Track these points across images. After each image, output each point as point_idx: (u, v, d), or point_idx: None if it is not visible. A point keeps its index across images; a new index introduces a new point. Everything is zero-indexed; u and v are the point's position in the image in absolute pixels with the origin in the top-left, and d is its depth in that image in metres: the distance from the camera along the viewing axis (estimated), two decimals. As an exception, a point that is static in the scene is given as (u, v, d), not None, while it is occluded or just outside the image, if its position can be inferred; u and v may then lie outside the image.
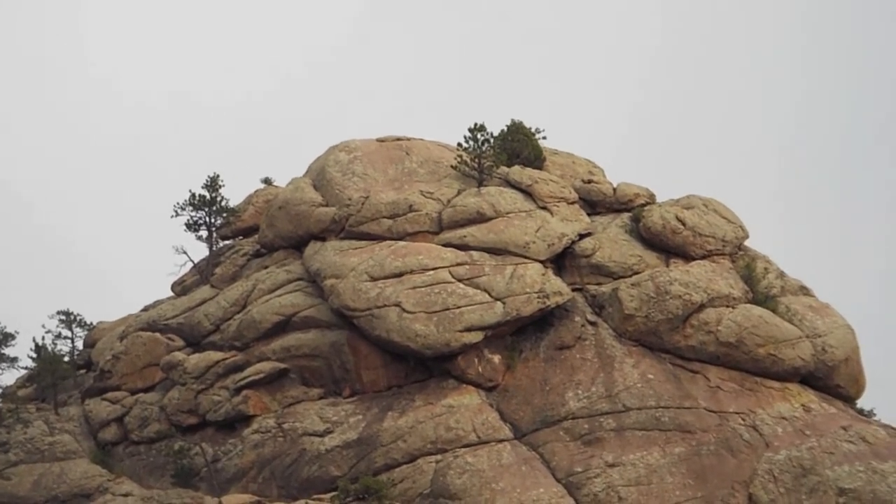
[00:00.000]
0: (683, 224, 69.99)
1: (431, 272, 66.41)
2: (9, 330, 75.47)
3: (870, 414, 68.80)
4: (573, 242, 69.87)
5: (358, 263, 67.75)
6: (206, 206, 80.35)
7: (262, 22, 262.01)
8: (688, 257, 69.33)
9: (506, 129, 76.89)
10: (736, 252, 71.58)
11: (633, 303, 65.95)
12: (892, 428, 63.52)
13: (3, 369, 75.87)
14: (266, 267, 74.86)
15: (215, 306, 73.56)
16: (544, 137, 78.49)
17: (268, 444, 66.13)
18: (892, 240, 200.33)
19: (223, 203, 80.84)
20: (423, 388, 65.16)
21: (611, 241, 70.04)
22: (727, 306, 66.02)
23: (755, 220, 73.99)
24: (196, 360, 70.43)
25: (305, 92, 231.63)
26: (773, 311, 66.63)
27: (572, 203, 72.61)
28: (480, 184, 72.19)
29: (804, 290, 71.66)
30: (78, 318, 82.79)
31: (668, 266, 68.57)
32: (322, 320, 68.50)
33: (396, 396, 65.32)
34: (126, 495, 66.69)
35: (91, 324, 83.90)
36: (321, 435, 64.78)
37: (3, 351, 75.36)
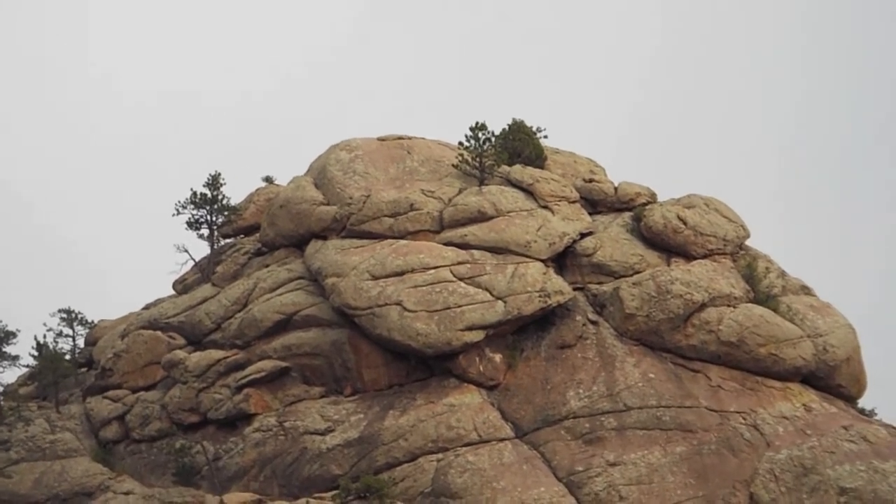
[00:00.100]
0: (685, 223, 70.00)
1: (433, 271, 66.43)
2: (10, 328, 75.69)
3: (871, 413, 68.83)
4: (574, 241, 69.88)
5: (359, 262, 67.77)
6: (207, 205, 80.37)
7: (262, 22, 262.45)
8: (689, 256, 69.34)
9: (507, 128, 76.99)
10: (737, 251, 71.58)
11: (635, 302, 65.97)
12: (893, 427, 63.58)
13: (4, 367, 75.85)
14: (267, 265, 74.89)
15: (216, 305, 73.57)
16: (545, 136, 78.70)
17: (269, 442, 66.17)
18: (892, 240, 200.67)
19: (224, 201, 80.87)
20: (425, 386, 65.20)
21: (612, 241, 70.06)
22: (728, 306, 66.04)
23: (755, 220, 74.28)
24: (197, 359, 70.46)
25: (305, 92, 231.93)
26: (775, 310, 66.64)
27: (573, 202, 72.62)
28: (482, 183, 72.20)
29: (805, 290, 71.67)
30: (79, 316, 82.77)
31: (669, 265, 68.57)
32: (323, 319, 68.52)
33: (398, 395, 65.34)
34: (127, 493, 66.74)
35: (92, 322, 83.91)
36: (322, 433, 64.82)
37: (4, 349, 75.39)
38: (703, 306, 65.49)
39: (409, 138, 78.92)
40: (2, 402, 75.22)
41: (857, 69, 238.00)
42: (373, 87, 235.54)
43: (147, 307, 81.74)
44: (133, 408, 72.41)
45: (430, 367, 65.52)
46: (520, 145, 76.25)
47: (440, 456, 61.53)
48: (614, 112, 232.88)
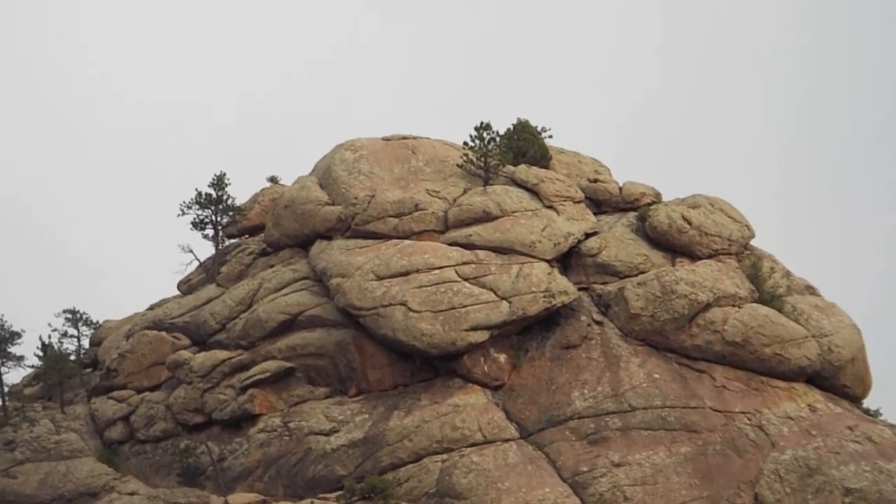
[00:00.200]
0: (689, 223, 69.93)
1: (437, 271, 66.40)
2: (15, 328, 75.86)
3: (876, 414, 68.79)
4: (579, 242, 69.84)
5: (364, 262, 67.75)
6: (212, 205, 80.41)
7: (262, 22, 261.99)
8: (694, 256, 69.28)
9: (512, 127, 76.91)
10: (742, 251, 71.52)
11: (639, 302, 65.92)
12: (899, 428, 63.58)
13: (9, 368, 76.27)
14: (272, 266, 74.89)
15: (221, 305, 73.60)
16: (550, 136, 78.56)
17: (274, 443, 66.18)
18: (893, 240, 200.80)
19: (229, 202, 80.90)
20: (429, 387, 65.19)
21: (617, 241, 70.00)
22: (733, 306, 65.99)
23: (755, 220, 74.14)
24: (202, 359, 70.48)
25: (306, 92, 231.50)
26: (779, 310, 66.59)
27: (578, 202, 72.55)
28: (486, 183, 72.16)
29: (810, 290, 71.59)
30: (84, 316, 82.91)
31: (673, 265, 68.52)
32: (328, 319, 68.52)
33: (402, 395, 65.34)
34: (132, 494, 66.81)
35: (97, 322, 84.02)
36: (327, 434, 64.82)
37: (9, 349, 75.62)
38: (707, 306, 65.44)
39: (414, 138, 78.88)
40: (7, 403, 75.38)
41: (858, 69, 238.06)
42: (373, 86, 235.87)
43: (152, 307, 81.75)
44: (138, 408, 72.47)
45: (434, 367, 65.50)
46: (524, 145, 76.18)
47: (445, 456, 61.54)
48: (614, 112, 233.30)
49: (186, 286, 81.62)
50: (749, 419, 62.16)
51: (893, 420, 67.28)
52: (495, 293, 65.39)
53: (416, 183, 73.36)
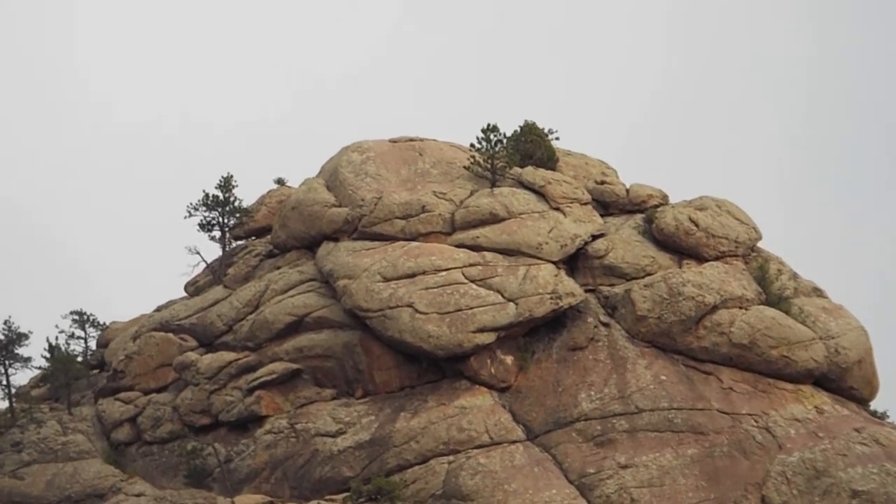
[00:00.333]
0: (696, 225, 69.90)
1: (444, 273, 66.40)
2: (22, 330, 75.90)
3: (883, 416, 68.78)
4: (586, 243, 69.79)
5: (371, 264, 67.75)
6: (219, 207, 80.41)
7: (265, 38, 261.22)
8: (701, 258, 69.24)
9: (519, 129, 76.81)
10: (749, 253, 71.47)
11: (646, 304, 65.89)
12: (906, 430, 63.48)
13: (16, 369, 76.24)
14: (279, 267, 74.90)
15: (228, 307, 73.61)
16: (557, 138, 78.45)
17: (280, 444, 66.19)
18: (894, 240, 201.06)
19: (236, 203, 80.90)
20: (436, 388, 65.17)
21: (624, 243, 69.98)
22: (740, 308, 65.93)
23: (760, 221, 74.07)
24: (209, 361, 70.50)
25: (306, 106, 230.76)
26: (787, 312, 66.52)
27: (585, 204, 72.51)
28: (493, 184, 72.13)
29: (817, 292, 71.54)
30: (91, 318, 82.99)
31: (680, 267, 68.50)
32: (335, 321, 68.51)
33: (409, 397, 65.33)
34: (139, 495, 66.81)
35: (104, 324, 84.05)
36: (334, 435, 64.81)
37: (16, 351, 75.67)
38: (714, 308, 65.38)
39: (421, 140, 78.86)
40: (14, 404, 75.45)
41: (865, 70, 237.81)
42: (376, 87, 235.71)
43: (159, 309, 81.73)
44: (145, 410, 72.48)
45: (441, 368, 65.50)
46: (531, 147, 76.12)
47: (451, 458, 61.52)
48: (622, 113, 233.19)
49: (193, 288, 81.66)
50: (756, 421, 62.10)
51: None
52: (502, 295, 65.38)
53: (422, 185, 73.36)
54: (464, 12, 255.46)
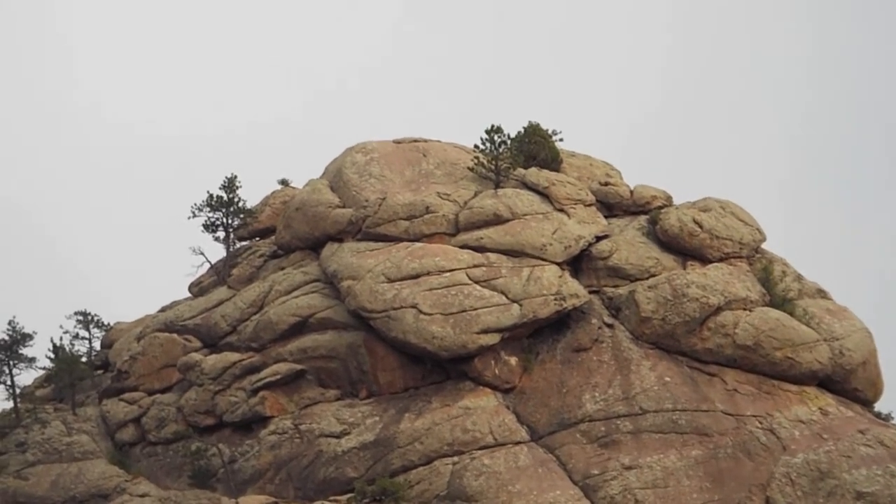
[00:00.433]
0: (700, 226, 69.90)
1: (448, 274, 66.44)
2: (27, 330, 75.99)
3: (887, 417, 68.88)
4: (590, 245, 69.81)
5: (375, 265, 67.80)
6: (223, 208, 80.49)
7: (265, 38, 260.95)
8: (705, 260, 69.26)
9: (523, 130, 76.84)
10: (753, 255, 71.46)
11: (650, 305, 65.91)
12: (910, 431, 63.46)
13: (21, 370, 76.34)
14: (283, 268, 74.95)
15: (232, 307, 73.68)
16: (561, 139, 78.39)
17: (284, 445, 66.25)
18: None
19: (240, 204, 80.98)
20: (440, 389, 65.20)
21: (628, 244, 70.00)
22: (744, 309, 65.93)
23: (764, 222, 74.12)
24: (213, 361, 70.57)
25: (304, 121, 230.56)
26: (791, 314, 66.50)
27: (589, 205, 72.55)
28: (497, 186, 72.15)
29: (821, 294, 71.54)
30: (95, 318, 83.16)
31: (684, 269, 68.51)
32: (339, 322, 68.55)
33: (413, 398, 65.37)
34: (143, 496, 66.84)
35: (108, 324, 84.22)
36: (338, 436, 64.86)
37: (21, 351, 75.77)
38: (718, 310, 65.39)
39: (425, 141, 78.94)
40: (19, 405, 75.52)
41: (865, 70, 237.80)
42: (375, 86, 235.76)
43: (163, 310, 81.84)
44: (149, 410, 72.56)
45: (445, 369, 65.54)
46: (535, 148, 76.12)
47: (456, 459, 61.55)
48: (625, 114, 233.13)
49: (197, 288, 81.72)
50: (760, 423, 62.11)
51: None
52: (506, 296, 65.42)
53: (426, 186, 73.41)
54: (464, 12, 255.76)
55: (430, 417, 63.36)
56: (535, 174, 73.26)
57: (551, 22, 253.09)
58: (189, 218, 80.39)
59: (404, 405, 65.04)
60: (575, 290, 66.69)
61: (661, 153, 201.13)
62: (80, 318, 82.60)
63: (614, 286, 68.58)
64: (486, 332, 64.03)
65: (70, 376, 76.36)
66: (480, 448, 61.70)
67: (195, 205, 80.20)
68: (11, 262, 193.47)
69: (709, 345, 64.82)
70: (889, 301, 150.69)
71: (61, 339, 79.24)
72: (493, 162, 72.69)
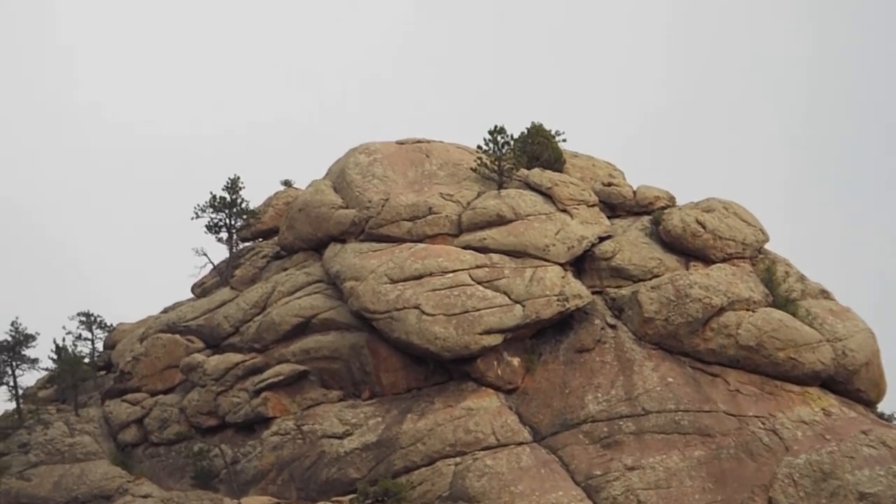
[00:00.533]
0: (703, 227, 69.85)
1: (451, 274, 66.42)
2: (29, 331, 76.05)
3: (890, 418, 68.80)
4: (593, 245, 69.77)
5: (377, 266, 67.79)
6: (226, 208, 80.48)
7: (264, 40, 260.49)
8: (708, 260, 69.19)
9: (526, 131, 76.78)
10: (756, 255, 71.42)
11: (653, 306, 65.86)
12: (913, 432, 63.37)
13: (23, 370, 76.37)
14: (286, 269, 74.95)
15: (235, 308, 73.67)
16: (564, 140, 78.32)
17: (287, 446, 66.24)
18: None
19: (243, 205, 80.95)
20: (443, 390, 65.18)
21: (631, 244, 69.95)
22: (747, 310, 65.87)
23: (766, 222, 74.08)
24: (216, 362, 70.59)
25: (304, 127, 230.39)
26: (794, 314, 66.44)
27: (592, 206, 72.51)
28: (500, 186, 72.15)
29: (824, 294, 71.48)
30: (98, 319, 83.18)
31: (687, 269, 68.46)
32: (341, 322, 68.54)
33: (416, 399, 65.35)
34: (146, 497, 66.88)
35: (111, 325, 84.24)
36: (340, 437, 64.85)
37: (23, 352, 75.81)
38: (721, 310, 65.34)
39: (428, 142, 78.95)
40: (21, 406, 75.56)
41: (863, 69, 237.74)
42: (376, 87, 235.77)
43: (166, 311, 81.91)
44: (151, 411, 72.59)
45: (448, 370, 65.51)
46: (538, 149, 76.06)
47: (458, 460, 61.52)
48: (627, 115, 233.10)
49: (200, 289, 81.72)
50: (763, 423, 62.04)
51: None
52: (509, 297, 65.39)
53: (429, 186, 73.41)
54: (466, 13, 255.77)
55: (433, 418, 63.34)
56: (538, 175, 73.24)
57: (553, 22, 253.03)
58: (192, 219, 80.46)
59: (407, 406, 65.03)
60: (578, 290, 66.65)
61: (663, 153, 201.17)
62: (83, 318, 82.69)
63: (617, 287, 68.53)
64: (488, 332, 64.00)
65: (73, 377, 76.38)
66: (483, 449, 61.67)
67: (198, 206, 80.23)
68: (11, 263, 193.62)
69: (711, 345, 64.76)
70: (889, 301, 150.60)
71: (64, 340, 79.43)
72: (497, 162, 72.69)
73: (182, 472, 69.20)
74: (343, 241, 72.01)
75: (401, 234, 70.29)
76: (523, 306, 65.11)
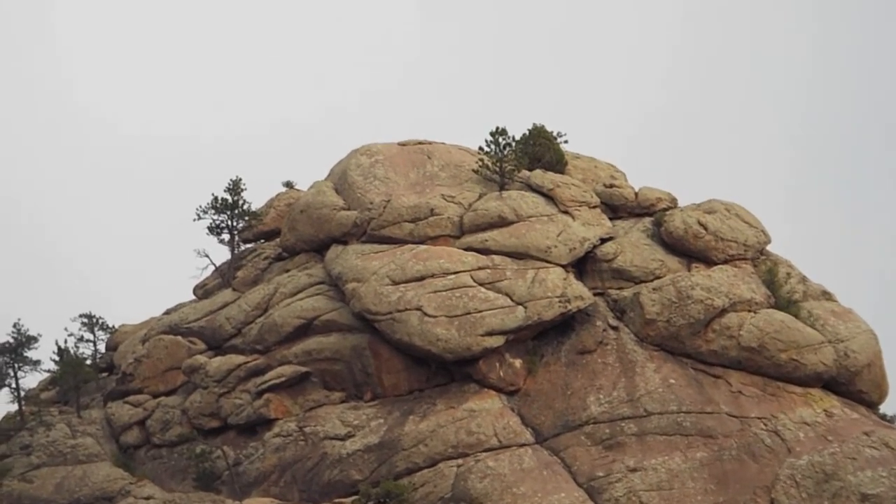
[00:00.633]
0: (705, 228, 69.84)
1: (453, 276, 66.43)
2: (31, 333, 76.08)
3: (892, 419, 68.70)
4: (595, 247, 69.77)
5: (379, 267, 67.80)
6: (227, 210, 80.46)
7: (265, 42, 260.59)
8: (709, 262, 69.18)
9: (527, 133, 76.75)
10: (758, 257, 71.40)
11: (655, 307, 65.89)
12: (916, 433, 63.36)
13: (25, 372, 76.41)
14: (288, 270, 74.94)
15: (237, 310, 73.67)
16: (566, 141, 78.28)
17: (289, 447, 66.25)
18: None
19: (245, 206, 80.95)
20: (445, 392, 65.20)
21: (632, 246, 69.96)
22: (749, 311, 65.90)
23: (767, 222, 74.07)
24: (218, 364, 70.60)
25: (303, 130, 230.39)
26: (796, 315, 66.47)
27: (594, 207, 72.49)
28: (502, 188, 72.15)
29: (826, 295, 71.48)
30: (100, 321, 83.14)
31: (689, 271, 68.46)
32: (343, 324, 68.54)
33: (418, 400, 65.36)
34: (148, 498, 66.91)
35: (113, 327, 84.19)
36: (342, 439, 64.87)
37: (25, 354, 75.82)
38: (723, 311, 65.37)
39: (430, 143, 78.93)
40: (23, 407, 75.59)
41: (863, 69, 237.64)
42: (376, 87, 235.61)
43: (167, 312, 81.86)
44: (154, 413, 72.60)
45: (450, 372, 65.54)
46: (540, 150, 76.04)
47: (460, 461, 61.54)
48: (623, 115, 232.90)
49: (202, 291, 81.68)
50: (765, 424, 62.06)
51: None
52: (511, 298, 65.40)
53: (431, 188, 73.41)
54: (467, 14, 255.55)
55: (435, 420, 63.36)
56: (539, 176, 73.24)
57: (554, 24, 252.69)
58: (194, 220, 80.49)
59: (409, 407, 65.05)
60: (580, 292, 66.67)
61: (663, 153, 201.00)
62: (85, 320, 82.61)
63: (619, 288, 68.55)
64: (490, 334, 64.02)
65: (75, 379, 76.40)
66: (485, 450, 61.69)
67: (200, 207, 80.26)
68: (11, 263, 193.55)
69: (713, 347, 64.80)
70: (889, 301, 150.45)
71: (66, 341, 79.40)
72: (498, 164, 72.68)
73: (184, 474, 69.22)
74: (345, 243, 72.02)
75: (402, 236, 70.29)
76: (525, 308, 65.12)
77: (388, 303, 65.71)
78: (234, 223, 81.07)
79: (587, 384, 64.35)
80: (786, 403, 63.41)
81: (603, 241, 70.32)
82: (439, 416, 63.52)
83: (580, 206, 71.70)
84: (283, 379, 68.13)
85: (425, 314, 64.60)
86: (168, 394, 73.50)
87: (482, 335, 63.88)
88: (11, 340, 75.53)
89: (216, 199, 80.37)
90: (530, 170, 74.13)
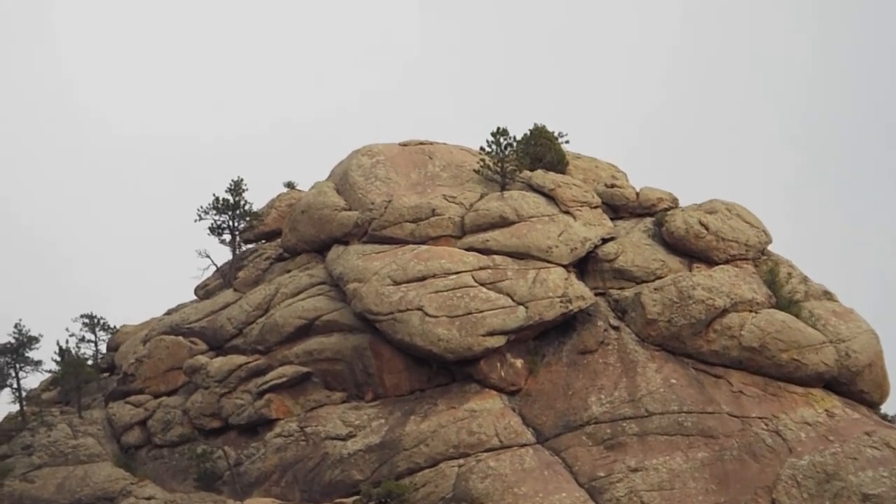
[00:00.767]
0: (706, 228, 69.84)
1: (454, 276, 66.45)
2: (33, 333, 76.14)
3: (894, 419, 68.66)
4: (596, 247, 69.77)
5: (380, 267, 67.82)
6: (229, 210, 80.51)
7: (264, 43, 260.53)
8: (711, 262, 69.19)
9: (528, 133, 76.75)
10: (759, 257, 71.41)
11: (656, 307, 65.91)
12: (917, 433, 63.36)
13: (27, 373, 76.48)
14: (289, 271, 74.98)
15: (238, 310, 73.71)
16: (567, 142, 78.30)
17: (290, 447, 66.28)
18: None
19: (246, 207, 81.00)
20: (446, 392, 65.22)
21: (633, 246, 69.97)
22: (750, 311, 65.91)
23: (768, 222, 74.03)
24: (219, 364, 70.62)
25: (304, 130, 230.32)
26: (797, 316, 66.46)
27: (595, 207, 72.49)
28: (503, 188, 72.17)
29: (827, 295, 71.45)
30: (101, 321, 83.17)
31: (690, 271, 68.47)
32: (345, 324, 68.57)
33: (419, 400, 65.37)
34: (149, 499, 66.93)
35: (114, 327, 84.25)
36: (344, 439, 64.89)
37: (27, 354, 75.88)
38: (724, 312, 65.38)
39: (431, 143, 78.95)
40: (25, 408, 75.63)
41: (863, 69, 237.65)
42: (377, 88, 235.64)
43: (169, 312, 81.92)
44: (155, 413, 72.64)
45: (451, 372, 65.55)
46: (541, 150, 76.03)
47: (461, 461, 61.55)
48: (623, 116, 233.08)
49: (203, 291, 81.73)
50: (766, 424, 62.07)
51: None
52: (512, 298, 65.41)
53: (432, 188, 73.43)
54: (468, 15, 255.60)
55: (436, 420, 63.38)
56: (540, 176, 73.25)
57: (554, 24, 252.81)
58: (195, 221, 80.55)
59: (410, 407, 65.07)
60: (581, 292, 66.68)
61: (664, 153, 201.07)
62: (86, 320, 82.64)
63: (620, 288, 68.57)
64: (491, 334, 64.03)
65: (76, 379, 76.43)
66: (486, 450, 61.71)
67: (201, 208, 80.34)
68: (11, 264, 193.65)
69: (714, 347, 64.81)
70: (889, 301, 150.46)
71: (67, 342, 79.34)
72: (499, 164, 72.72)
73: (185, 474, 69.26)
74: (346, 243, 72.06)
75: (404, 236, 70.32)
76: (526, 308, 65.13)
77: (389, 303, 65.74)
78: (236, 224, 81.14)
79: (588, 384, 64.37)
80: (787, 403, 63.41)
81: (604, 241, 70.32)
82: (440, 416, 63.54)
83: (581, 206, 71.71)
84: (284, 379, 68.16)
85: (426, 314, 64.62)
86: (169, 394, 73.55)
87: (483, 335, 63.90)
88: (13, 341, 75.65)
89: (217, 199, 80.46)
90: (531, 170, 74.15)
